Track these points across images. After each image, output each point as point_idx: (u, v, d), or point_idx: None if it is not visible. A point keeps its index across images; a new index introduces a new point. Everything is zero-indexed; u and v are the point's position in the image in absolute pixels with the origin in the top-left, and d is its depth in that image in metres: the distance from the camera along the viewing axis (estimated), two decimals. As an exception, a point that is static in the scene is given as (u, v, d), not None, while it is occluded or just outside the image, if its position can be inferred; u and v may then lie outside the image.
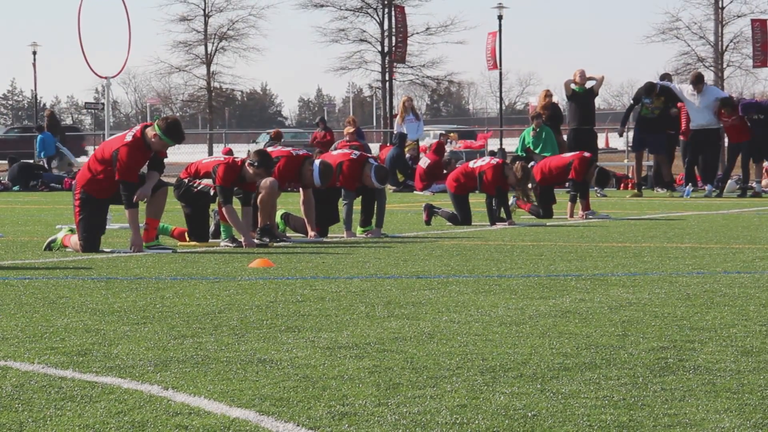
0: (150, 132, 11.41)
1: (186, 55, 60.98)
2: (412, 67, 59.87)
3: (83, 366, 5.39)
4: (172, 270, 9.87)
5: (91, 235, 11.58)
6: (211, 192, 12.35)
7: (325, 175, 13.04)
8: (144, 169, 11.69)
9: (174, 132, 11.42)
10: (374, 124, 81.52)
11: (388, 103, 58.05)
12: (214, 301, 7.76)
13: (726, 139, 24.75)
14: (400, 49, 58.26)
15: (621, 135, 25.93)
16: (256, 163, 12.12)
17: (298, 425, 4.23)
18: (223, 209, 12.14)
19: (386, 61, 58.72)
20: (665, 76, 26.05)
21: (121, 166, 11.34)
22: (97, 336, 6.26)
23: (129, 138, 11.43)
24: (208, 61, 60.67)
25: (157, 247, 11.67)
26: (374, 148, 36.99)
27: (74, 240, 11.64)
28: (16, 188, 30.55)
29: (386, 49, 58.75)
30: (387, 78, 58.90)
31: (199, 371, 5.26)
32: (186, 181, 12.51)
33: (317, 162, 13.13)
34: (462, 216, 15.87)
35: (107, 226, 15.23)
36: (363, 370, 5.28)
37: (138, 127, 11.64)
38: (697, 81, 24.31)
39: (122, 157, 11.32)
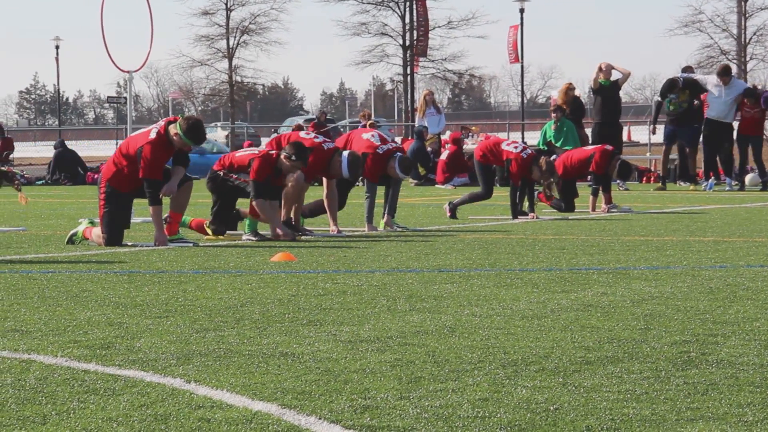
0: (172, 130, 11.45)
1: (208, 49, 61.08)
2: (433, 60, 59.83)
3: (106, 359, 5.41)
4: (194, 264, 9.89)
5: (115, 229, 11.62)
6: (248, 189, 12.34)
7: (353, 167, 12.99)
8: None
9: (195, 133, 11.46)
10: (396, 117, 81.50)
11: (409, 96, 58.05)
12: (236, 294, 7.78)
13: (735, 133, 24.72)
14: (422, 43, 58.23)
15: (654, 132, 25.82)
16: (293, 156, 12.13)
17: (319, 418, 4.24)
18: (255, 203, 12.15)
19: (408, 54, 58.70)
20: (687, 69, 25.94)
21: (146, 165, 11.37)
22: (119, 329, 6.29)
23: (152, 135, 11.46)
24: (230, 55, 60.76)
25: (179, 241, 11.70)
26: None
27: (96, 233, 11.68)
28: None
29: (408, 42, 58.72)
30: (408, 72, 58.88)
31: (221, 365, 5.27)
32: (221, 173, 12.49)
33: (345, 153, 13.08)
34: (484, 188, 15.71)
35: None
36: (385, 363, 5.28)
37: (162, 123, 11.67)
38: (725, 73, 24.24)
39: (146, 156, 11.36)
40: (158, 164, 11.45)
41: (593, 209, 16.96)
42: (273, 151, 12.41)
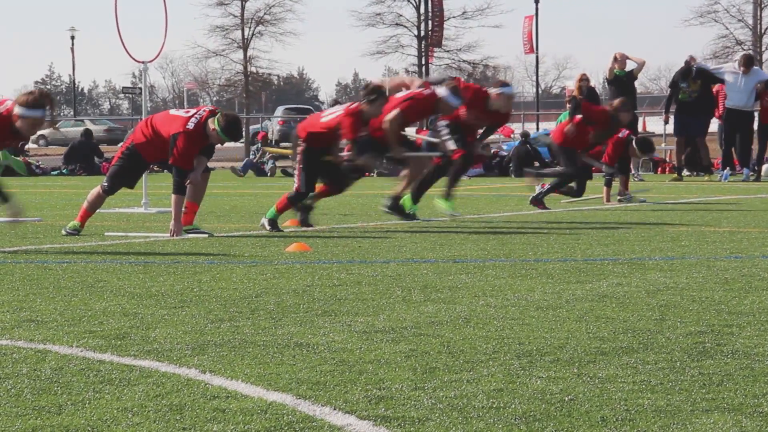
0: (210, 125, 11.49)
1: (223, 40, 61.12)
2: (448, 51, 59.81)
3: (121, 349, 5.43)
4: (209, 254, 9.90)
5: (117, 181, 11.79)
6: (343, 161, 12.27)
7: (458, 93, 12.73)
8: None
9: (232, 131, 11.54)
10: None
11: (424, 87, 57.86)
12: (251, 285, 7.79)
13: (756, 122, 24.69)
14: (437, 33, 58.17)
15: (666, 122, 25.78)
16: (373, 98, 12.13)
17: (334, 409, 4.24)
18: (359, 161, 12.14)
19: (422, 45, 58.64)
20: (690, 60, 25.89)
21: (178, 153, 11.41)
22: (135, 320, 6.30)
23: (190, 126, 11.46)
24: (244, 45, 60.75)
25: (195, 231, 11.71)
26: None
27: (93, 191, 11.77)
28: None
29: (422, 33, 58.65)
30: (423, 62, 58.82)
31: (236, 355, 5.28)
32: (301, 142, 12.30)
33: (441, 88, 12.73)
34: (572, 170, 15.58)
35: (144, 210, 15.31)
36: (399, 354, 5.28)
37: (203, 114, 11.63)
38: (747, 62, 24.24)
39: (179, 145, 11.40)
40: (190, 155, 11.48)
41: (608, 200, 16.91)
42: (353, 105, 12.34)
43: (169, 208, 11.95)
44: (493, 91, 13.66)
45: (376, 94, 12.24)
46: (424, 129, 32.16)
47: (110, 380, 4.73)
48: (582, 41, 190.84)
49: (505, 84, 13.94)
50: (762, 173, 24.67)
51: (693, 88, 24.11)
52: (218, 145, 11.98)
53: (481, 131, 13.97)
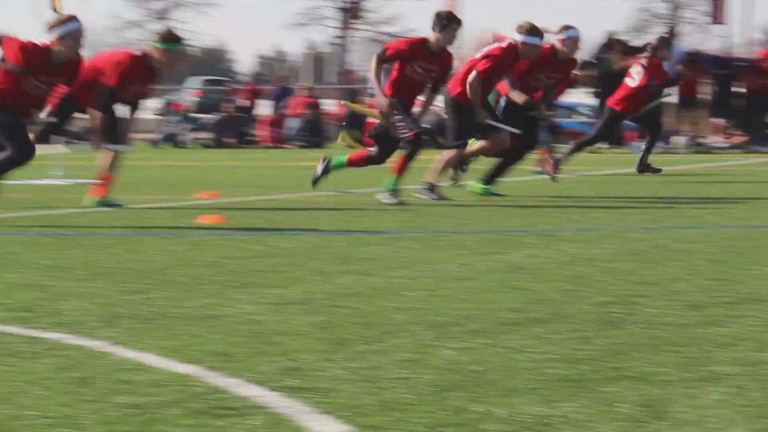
0: (153, 53, 11.30)
1: (142, 10, 60.54)
2: (369, 23, 59.72)
3: (29, 322, 5.36)
4: (122, 226, 9.82)
5: (51, 132, 11.63)
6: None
7: (535, 32, 12.11)
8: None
9: (171, 36, 11.36)
10: (335, 80, 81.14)
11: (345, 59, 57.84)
12: (164, 257, 7.73)
13: (673, 97, 25.09)
14: (357, 6, 58.01)
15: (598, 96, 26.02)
16: (444, 23, 11.53)
17: (245, 380, 4.22)
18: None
19: (344, 17, 58.50)
20: (612, 35, 26.14)
21: (116, 73, 11.19)
22: (44, 292, 6.23)
23: (136, 53, 11.37)
24: (164, 16, 60.20)
25: (108, 204, 11.60)
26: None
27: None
28: None
29: (344, 5, 58.49)
30: (344, 34, 58.70)
31: (147, 327, 5.24)
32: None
33: (518, 36, 12.13)
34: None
35: (61, 182, 15.16)
36: (312, 325, 5.28)
37: (145, 49, 11.53)
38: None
39: (120, 64, 11.23)
40: (128, 78, 11.30)
41: (539, 164, 16.62)
42: (418, 38, 11.79)
43: (84, 180, 11.82)
44: (556, 38, 12.94)
45: (447, 19, 11.56)
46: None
47: (17, 353, 4.67)
48: (503, 14, 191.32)
49: (568, 27, 13.13)
50: (675, 145, 25.01)
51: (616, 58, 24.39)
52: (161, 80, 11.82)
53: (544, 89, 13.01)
